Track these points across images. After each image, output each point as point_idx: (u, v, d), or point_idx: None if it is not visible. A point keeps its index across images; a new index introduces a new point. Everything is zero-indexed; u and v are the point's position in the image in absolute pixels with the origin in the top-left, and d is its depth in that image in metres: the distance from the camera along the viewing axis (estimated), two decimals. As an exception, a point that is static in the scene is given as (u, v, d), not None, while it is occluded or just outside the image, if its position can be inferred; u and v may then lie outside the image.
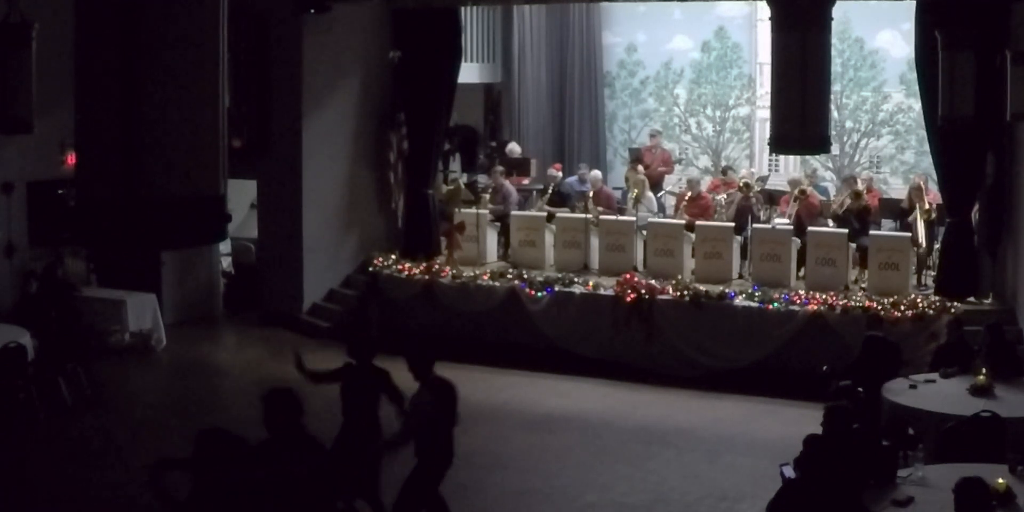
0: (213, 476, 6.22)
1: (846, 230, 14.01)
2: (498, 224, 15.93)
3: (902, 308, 12.77)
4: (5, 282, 14.51)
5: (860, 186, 14.64)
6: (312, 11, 14.92)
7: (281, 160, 15.69)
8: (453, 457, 8.45)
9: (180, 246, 10.97)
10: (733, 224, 14.68)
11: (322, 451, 6.64)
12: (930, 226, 14.19)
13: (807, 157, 16.39)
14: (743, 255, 14.61)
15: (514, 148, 18.00)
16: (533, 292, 14.29)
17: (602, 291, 13.99)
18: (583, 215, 15.20)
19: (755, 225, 14.65)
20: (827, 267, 13.76)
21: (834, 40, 8.50)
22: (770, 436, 11.14)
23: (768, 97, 8.77)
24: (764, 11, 8.94)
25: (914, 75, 14.23)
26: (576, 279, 14.32)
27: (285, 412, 6.49)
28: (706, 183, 16.51)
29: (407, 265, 15.25)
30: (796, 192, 14.90)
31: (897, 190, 16.67)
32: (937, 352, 11.01)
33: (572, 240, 15.18)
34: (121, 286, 15.32)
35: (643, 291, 13.67)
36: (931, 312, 12.71)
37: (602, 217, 15.20)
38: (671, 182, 17.76)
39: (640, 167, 16.46)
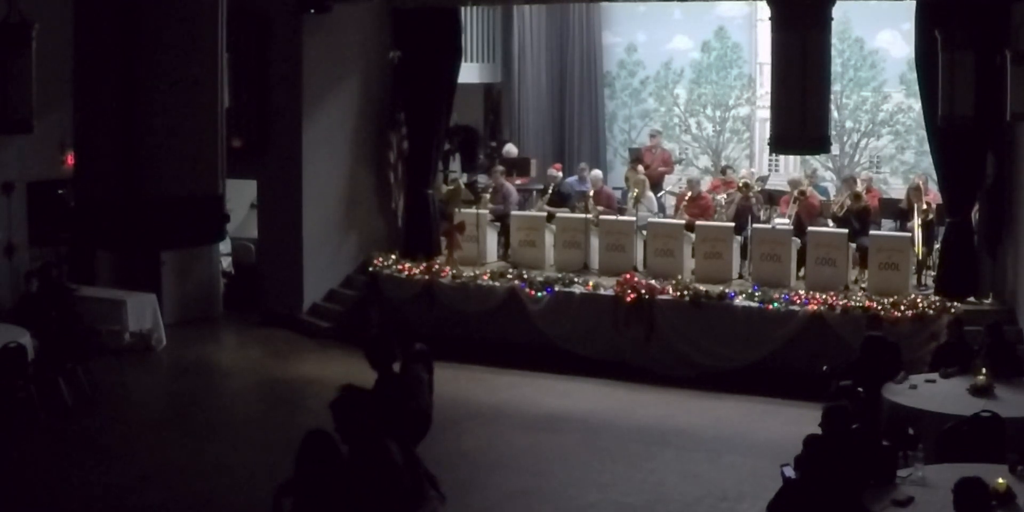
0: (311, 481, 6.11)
1: (846, 230, 14.01)
2: (498, 224, 15.92)
3: (902, 308, 12.77)
4: (5, 282, 14.52)
5: (860, 187, 14.64)
6: (312, 11, 14.92)
7: (281, 160, 15.69)
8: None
9: (179, 246, 10.99)
10: (733, 224, 14.68)
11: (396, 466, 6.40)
12: (929, 226, 14.20)
13: (807, 157, 16.39)
14: (743, 255, 14.61)
15: (511, 149, 17.99)
16: (533, 292, 14.28)
17: (602, 291, 13.98)
18: (583, 215, 15.19)
19: (755, 225, 14.65)
20: (827, 267, 13.75)
21: (834, 40, 8.50)
22: (770, 436, 11.13)
23: (768, 97, 8.77)
24: (764, 11, 8.94)
25: (914, 75, 14.22)
26: (576, 279, 14.31)
27: (355, 417, 6.26)
28: (706, 183, 16.50)
29: (407, 265, 15.24)
30: (796, 192, 14.90)
31: (897, 190, 16.67)
32: (937, 352, 11.01)
33: (572, 240, 15.17)
34: (120, 286, 15.34)
35: (643, 291, 13.66)
36: (931, 312, 12.70)
37: (602, 217, 15.19)
38: (671, 182, 17.76)
39: (640, 167, 16.46)
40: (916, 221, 14.13)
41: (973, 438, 8.61)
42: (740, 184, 15.23)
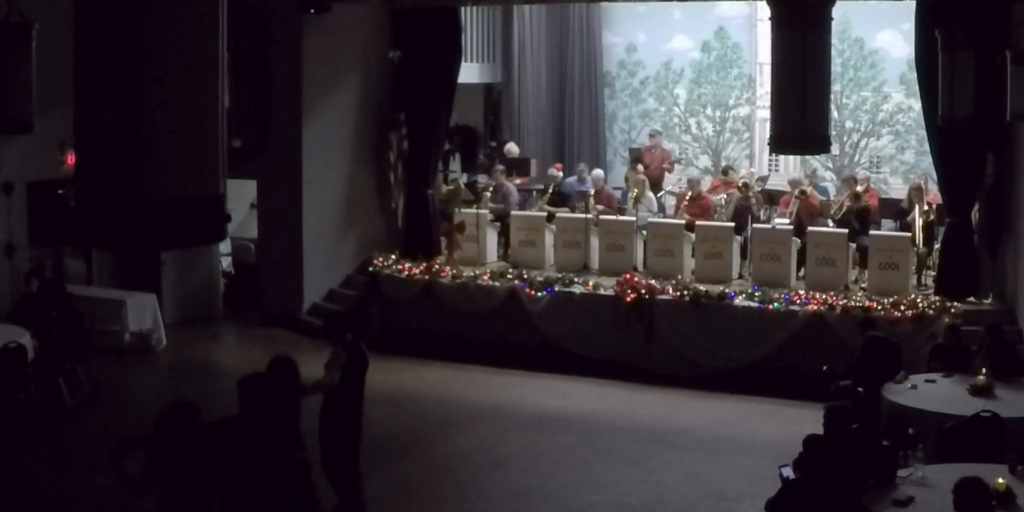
0: (169, 451, 6.54)
1: (846, 230, 14.01)
2: (498, 224, 15.92)
3: (902, 308, 12.77)
4: (5, 282, 14.51)
5: (859, 187, 14.64)
6: (312, 11, 14.92)
7: (281, 160, 15.69)
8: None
9: (179, 246, 10.98)
10: (733, 224, 14.68)
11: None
12: (930, 226, 14.20)
13: (807, 157, 16.39)
14: (743, 255, 14.61)
15: (512, 148, 17.99)
16: (533, 292, 14.28)
17: (602, 291, 13.98)
18: (583, 215, 15.19)
19: (755, 225, 14.65)
20: (827, 267, 13.75)
21: (834, 40, 8.50)
22: (770, 436, 11.13)
23: (768, 97, 8.77)
24: (764, 11, 8.95)
25: (914, 75, 14.23)
26: (576, 279, 14.31)
27: (261, 396, 7.37)
28: (706, 183, 16.51)
29: (407, 265, 15.24)
30: (796, 192, 14.90)
31: (897, 190, 16.67)
32: (933, 351, 11.00)
33: (572, 240, 15.17)
34: (120, 286, 15.33)
35: (643, 291, 13.66)
36: (931, 312, 12.70)
37: (602, 217, 15.20)
38: (671, 182, 17.76)
39: (640, 167, 16.46)
40: (917, 221, 14.13)
41: (973, 438, 8.61)
42: (740, 184, 15.23)
